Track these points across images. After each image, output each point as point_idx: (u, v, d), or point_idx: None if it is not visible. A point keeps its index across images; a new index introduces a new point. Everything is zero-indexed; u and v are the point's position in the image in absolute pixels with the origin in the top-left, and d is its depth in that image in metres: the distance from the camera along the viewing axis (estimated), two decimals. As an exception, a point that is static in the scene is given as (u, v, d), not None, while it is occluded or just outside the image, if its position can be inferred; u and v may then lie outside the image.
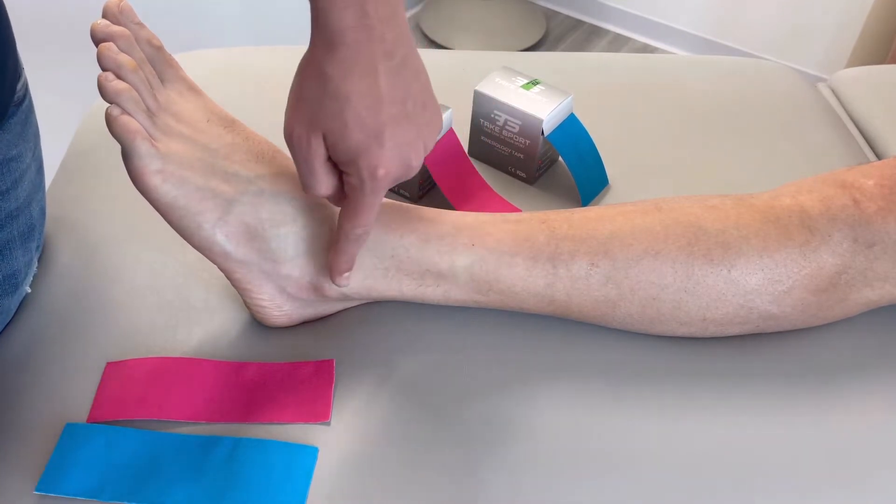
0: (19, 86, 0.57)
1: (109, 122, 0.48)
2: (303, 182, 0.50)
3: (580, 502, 0.50)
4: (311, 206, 0.54)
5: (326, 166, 0.49)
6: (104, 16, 0.51)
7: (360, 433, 0.52)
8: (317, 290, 0.56)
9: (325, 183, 0.50)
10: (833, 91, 0.95)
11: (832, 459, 0.52)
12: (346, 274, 0.54)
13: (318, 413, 0.53)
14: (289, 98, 0.49)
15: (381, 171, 0.48)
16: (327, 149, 0.48)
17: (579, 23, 2.31)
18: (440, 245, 0.56)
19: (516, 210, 0.68)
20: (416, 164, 0.49)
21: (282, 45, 0.87)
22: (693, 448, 0.53)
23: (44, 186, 0.63)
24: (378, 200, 0.50)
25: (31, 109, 0.60)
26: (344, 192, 0.51)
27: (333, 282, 0.54)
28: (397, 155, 0.48)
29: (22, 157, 0.57)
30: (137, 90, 0.50)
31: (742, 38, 2.08)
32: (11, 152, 0.56)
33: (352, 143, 0.46)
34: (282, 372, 0.55)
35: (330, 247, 0.54)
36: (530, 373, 0.56)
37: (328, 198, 0.52)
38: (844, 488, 0.51)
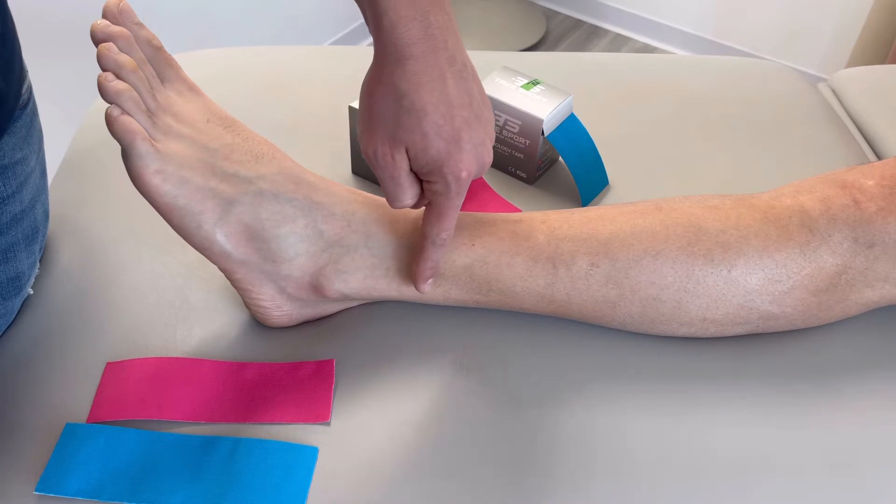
0: (24, 89, 0.57)
1: (109, 122, 0.48)
2: (389, 197, 0.52)
3: (581, 501, 0.50)
4: (312, 206, 0.54)
5: (410, 177, 0.51)
6: (104, 16, 0.51)
7: (360, 433, 0.52)
8: (317, 290, 0.56)
9: (410, 193, 0.51)
10: (833, 91, 0.95)
11: (832, 459, 0.52)
12: (431, 280, 0.56)
13: (318, 413, 0.53)
14: (360, 117, 0.50)
15: (464, 174, 0.49)
16: (409, 161, 0.49)
17: (579, 23, 2.31)
18: (440, 245, 0.56)
19: (516, 210, 0.68)
20: (489, 161, 0.51)
21: (282, 46, 0.87)
22: (693, 448, 0.53)
23: (47, 189, 0.63)
24: (461, 203, 0.52)
25: (35, 112, 0.60)
26: (423, 199, 0.53)
27: (417, 289, 0.56)
28: (475, 155, 0.49)
29: (27, 161, 0.57)
30: (137, 90, 0.50)
31: (742, 39, 2.08)
32: (17, 156, 0.56)
33: (434, 152, 0.48)
34: (282, 372, 0.55)
35: (414, 255, 0.55)
36: (530, 373, 0.56)
37: (412, 206, 0.53)
38: (845, 488, 0.51)
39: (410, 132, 0.48)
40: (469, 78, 0.49)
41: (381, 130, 0.49)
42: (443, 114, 0.47)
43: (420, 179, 0.52)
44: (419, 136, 0.48)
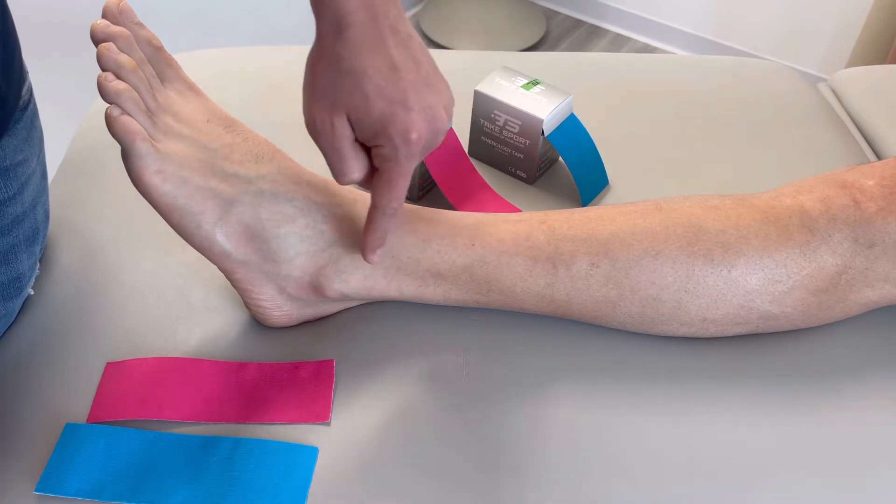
0: (24, 91, 0.57)
1: (109, 122, 0.48)
2: (334, 171, 0.50)
3: (581, 501, 0.50)
4: (312, 206, 0.54)
5: (355, 148, 0.49)
6: (104, 16, 0.51)
7: (360, 433, 0.52)
8: (317, 290, 0.56)
9: (355, 166, 0.49)
10: (833, 91, 0.95)
11: (832, 459, 0.52)
12: (379, 251, 0.54)
13: (318, 413, 0.53)
14: (304, 91, 0.49)
15: (413, 135, 0.47)
16: (353, 129, 0.48)
17: (579, 23, 2.31)
18: (440, 245, 0.56)
19: (516, 210, 0.68)
20: (443, 127, 0.49)
21: (282, 46, 0.87)
22: (693, 448, 0.53)
23: (47, 189, 0.63)
24: (411, 169, 0.50)
25: (35, 114, 0.60)
26: (371, 174, 0.51)
27: (366, 259, 0.54)
28: (424, 118, 0.47)
29: (28, 162, 0.57)
30: (137, 90, 0.50)
31: (742, 38, 2.08)
32: (18, 157, 0.56)
33: (377, 113, 0.46)
34: (282, 372, 0.55)
35: (364, 225, 0.54)
36: (530, 373, 0.56)
37: (360, 183, 0.51)
38: (845, 488, 0.51)
39: (350, 95, 0.46)
40: (415, 48, 0.47)
41: (321, 98, 0.47)
42: (385, 76, 0.46)
43: (368, 151, 0.49)
44: (360, 98, 0.46)
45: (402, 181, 0.50)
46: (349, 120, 0.47)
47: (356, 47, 0.45)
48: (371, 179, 0.52)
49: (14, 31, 0.56)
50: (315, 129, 0.48)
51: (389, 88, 0.46)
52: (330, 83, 0.47)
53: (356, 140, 0.49)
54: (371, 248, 0.54)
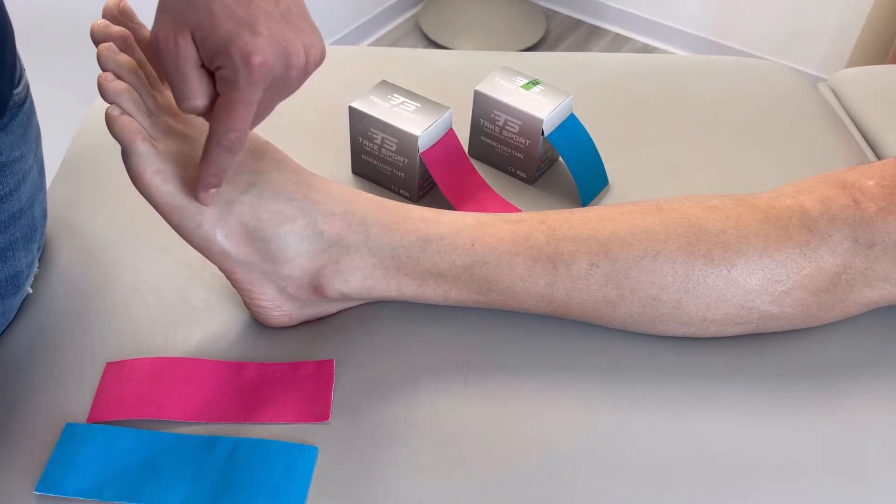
0: (20, 87, 0.57)
1: (109, 122, 0.48)
2: (177, 96, 0.47)
3: (581, 501, 0.50)
4: (312, 206, 0.54)
5: (199, 72, 0.46)
6: (104, 16, 0.51)
7: (360, 433, 0.52)
8: (317, 290, 0.56)
9: (199, 91, 0.46)
10: (833, 91, 0.95)
11: (832, 459, 0.52)
12: (213, 190, 0.50)
13: (318, 413, 0.53)
14: (157, 9, 0.46)
15: (256, 59, 0.44)
16: (197, 50, 0.45)
17: (579, 23, 2.31)
18: (440, 245, 0.56)
19: (516, 210, 0.68)
20: (297, 62, 0.46)
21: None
22: (693, 448, 0.53)
23: (45, 187, 0.63)
24: (253, 97, 0.46)
25: (32, 111, 0.60)
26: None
27: (197, 198, 0.50)
28: (273, 45, 0.44)
29: (24, 159, 0.57)
30: (137, 90, 0.50)
31: (742, 38, 2.08)
32: (14, 154, 0.56)
33: (221, 32, 0.44)
34: (282, 372, 0.55)
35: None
36: (531, 373, 0.56)
37: (203, 113, 0.48)
38: (845, 488, 0.51)
39: (197, 12, 0.44)
40: None
41: (168, 15, 0.45)
42: (237, 0, 0.44)
43: (212, 76, 0.47)
44: (205, 16, 0.44)
45: (242, 108, 0.46)
46: (194, 40, 0.45)
47: None
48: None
49: (9, 27, 0.55)
50: (159, 48, 0.46)
51: (239, 10, 0.44)
52: (179, 1, 0.44)
53: (203, 66, 0.46)
54: (204, 185, 0.50)
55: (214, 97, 0.47)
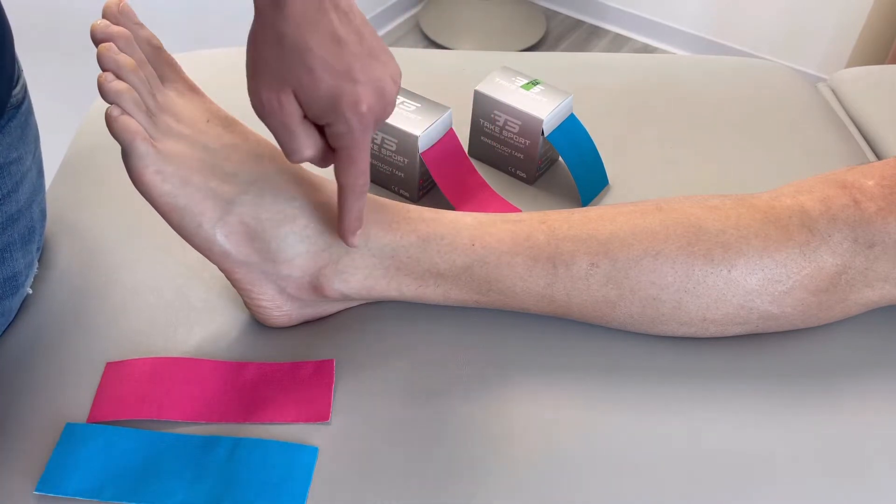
0: (18, 88, 0.57)
1: (109, 122, 0.48)
2: (286, 150, 0.49)
3: (580, 502, 0.50)
4: (312, 206, 0.54)
5: (304, 125, 0.48)
6: (104, 16, 0.51)
7: (360, 433, 0.52)
8: (317, 290, 0.56)
9: (307, 143, 0.49)
10: (833, 91, 0.95)
11: (833, 459, 0.53)
12: (359, 232, 0.54)
13: (318, 413, 0.53)
14: (247, 70, 0.48)
15: (363, 107, 0.47)
16: (301, 108, 0.47)
17: (579, 23, 2.31)
18: (440, 245, 0.56)
19: (516, 210, 0.68)
20: (392, 98, 0.49)
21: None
22: (693, 448, 0.53)
23: (44, 188, 0.63)
24: (369, 141, 0.49)
25: (30, 112, 0.60)
26: (327, 154, 0.51)
27: (347, 243, 0.54)
28: (373, 89, 0.47)
29: (22, 160, 0.57)
30: (137, 90, 0.50)
31: (742, 38, 2.08)
32: (12, 155, 0.56)
33: (324, 88, 0.46)
34: (282, 372, 0.55)
35: (337, 211, 0.53)
36: (531, 373, 0.56)
37: (314, 160, 0.50)
38: (845, 488, 0.51)
39: (295, 71, 0.45)
40: (357, 20, 0.47)
41: (266, 76, 0.47)
42: (329, 49, 0.45)
43: (320, 129, 0.49)
44: (305, 73, 0.45)
45: (363, 156, 0.49)
46: (296, 97, 0.47)
47: (297, 22, 0.45)
48: (326, 160, 0.51)
49: (7, 28, 0.55)
50: (262, 108, 0.48)
51: (334, 62, 0.45)
52: (274, 60, 0.46)
53: (305, 117, 0.48)
54: (350, 231, 0.53)
55: (321, 144, 0.50)
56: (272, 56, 0.46)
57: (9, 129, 0.55)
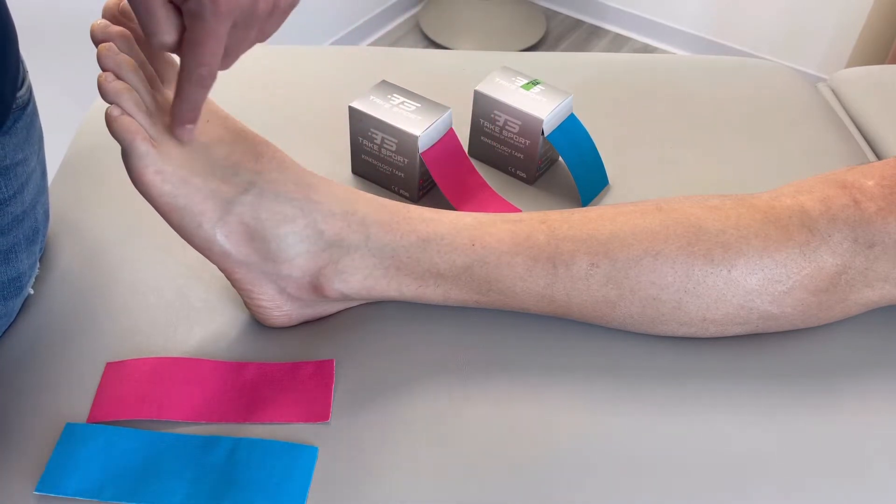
0: (23, 90, 0.57)
1: (109, 122, 0.48)
2: (144, 31, 0.46)
3: (580, 502, 0.50)
4: (312, 206, 0.54)
5: (166, 7, 0.46)
6: (104, 16, 0.51)
7: (360, 433, 0.52)
8: (317, 290, 0.56)
9: (165, 24, 0.46)
10: (833, 91, 0.95)
11: (833, 459, 0.53)
12: (191, 127, 0.50)
13: (318, 413, 0.53)
14: None
15: None
16: None
17: (579, 23, 2.31)
18: (440, 245, 0.56)
19: (516, 210, 0.68)
20: (265, 3, 0.46)
21: (282, 46, 0.87)
22: (693, 448, 0.53)
23: (47, 189, 0.63)
24: (221, 29, 0.46)
25: (35, 113, 0.60)
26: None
27: (175, 134, 0.50)
28: None
29: (28, 161, 0.57)
30: (137, 90, 0.50)
31: (742, 38, 2.08)
32: (17, 157, 0.56)
33: None
34: (282, 372, 0.55)
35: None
36: (530, 373, 0.56)
37: (173, 49, 0.48)
38: (845, 488, 0.51)
39: None
40: None
41: None
42: None
43: (179, 12, 0.46)
44: None
45: (211, 41, 0.46)
46: None
47: None
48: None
49: (12, 30, 0.56)
50: None
51: None
52: None
53: (170, 1, 0.46)
54: (180, 121, 0.49)
55: (182, 32, 0.46)
56: None
57: (14, 130, 0.55)
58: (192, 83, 0.47)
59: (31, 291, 0.61)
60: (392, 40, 2.21)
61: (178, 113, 0.49)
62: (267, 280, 0.55)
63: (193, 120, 0.50)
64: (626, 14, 2.23)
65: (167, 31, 0.46)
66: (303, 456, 0.51)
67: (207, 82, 0.48)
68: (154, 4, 0.45)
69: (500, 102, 0.69)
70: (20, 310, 0.60)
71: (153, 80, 0.52)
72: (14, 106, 0.55)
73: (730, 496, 0.50)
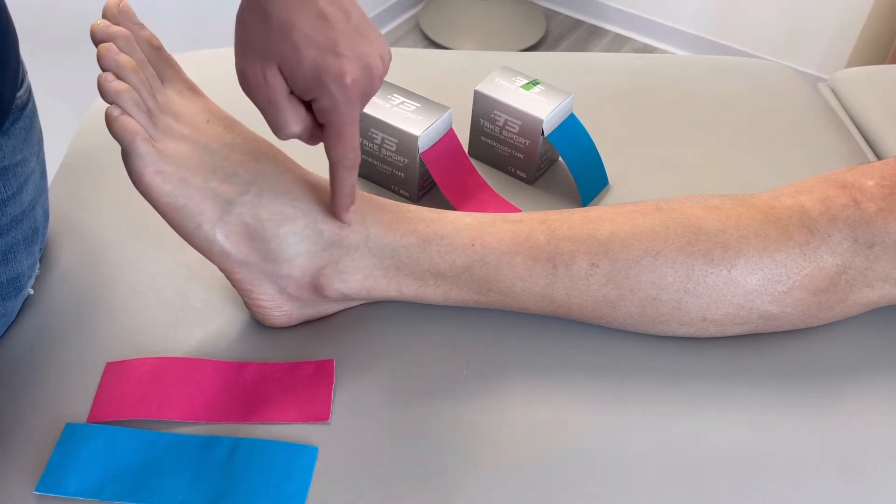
0: (22, 90, 0.57)
1: (109, 122, 0.48)
2: (273, 126, 0.49)
3: (580, 502, 0.50)
4: (312, 206, 0.54)
5: (291, 101, 0.49)
6: (104, 16, 0.51)
7: (360, 433, 0.52)
8: (317, 290, 0.56)
9: (293, 118, 0.49)
10: (833, 91, 0.95)
11: (832, 459, 0.53)
12: (352, 208, 0.54)
13: (318, 413, 0.53)
14: (235, 48, 0.49)
15: (347, 79, 0.47)
16: (287, 82, 0.48)
17: (579, 23, 2.31)
18: (440, 245, 0.56)
19: (516, 210, 0.68)
20: (378, 74, 0.49)
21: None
22: (693, 448, 0.53)
23: (47, 189, 0.63)
24: (356, 115, 0.49)
25: (34, 113, 0.60)
26: (316, 130, 0.51)
27: (341, 220, 0.54)
28: (357, 62, 0.47)
29: (27, 162, 0.57)
30: (137, 91, 0.50)
31: (742, 38, 2.08)
32: (17, 157, 0.56)
33: (308, 62, 0.46)
34: (282, 372, 0.55)
35: (330, 187, 0.53)
36: (530, 373, 0.56)
37: (303, 137, 0.51)
38: (845, 488, 0.51)
39: (279, 47, 0.46)
40: (346, 1, 0.47)
41: (252, 53, 0.47)
42: (314, 26, 0.46)
43: (306, 105, 0.49)
44: (289, 49, 0.46)
45: (350, 130, 0.49)
46: (282, 73, 0.47)
47: (285, 1, 0.45)
48: (314, 137, 0.52)
49: (12, 30, 0.56)
50: (248, 84, 0.48)
51: (319, 37, 0.46)
52: (260, 38, 0.46)
53: (291, 93, 0.48)
54: (343, 207, 0.53)
55: (308, 120, 0.50)
56: (258, 34, 0.46)
57: (13, 130, 0.55)
58: (346, 169, 0.51)
59: (31, 291, 0.61)
60: (392, 40, 2.21)
61: (339, 202, 0.53)
62: (267, 280, 0.55)
63: (353, 202, 0.54)
64: (626, 14, 2.23)
65: (294, 122, 0.49)
66: (303, 456, 0.51)
67: (357, 164, 0.52)
68: (279, 100, 0.48)
69: (500, 102, 0.69)
70: (20, 310, 0.60)
71: (153, 81, 0.52)
72: (13, 106, 0.55)
73: (730, 496, 0.50)
